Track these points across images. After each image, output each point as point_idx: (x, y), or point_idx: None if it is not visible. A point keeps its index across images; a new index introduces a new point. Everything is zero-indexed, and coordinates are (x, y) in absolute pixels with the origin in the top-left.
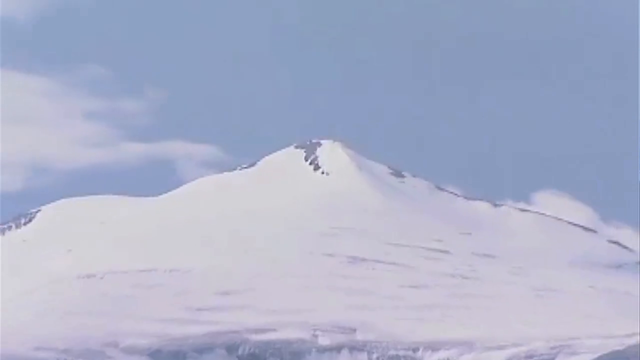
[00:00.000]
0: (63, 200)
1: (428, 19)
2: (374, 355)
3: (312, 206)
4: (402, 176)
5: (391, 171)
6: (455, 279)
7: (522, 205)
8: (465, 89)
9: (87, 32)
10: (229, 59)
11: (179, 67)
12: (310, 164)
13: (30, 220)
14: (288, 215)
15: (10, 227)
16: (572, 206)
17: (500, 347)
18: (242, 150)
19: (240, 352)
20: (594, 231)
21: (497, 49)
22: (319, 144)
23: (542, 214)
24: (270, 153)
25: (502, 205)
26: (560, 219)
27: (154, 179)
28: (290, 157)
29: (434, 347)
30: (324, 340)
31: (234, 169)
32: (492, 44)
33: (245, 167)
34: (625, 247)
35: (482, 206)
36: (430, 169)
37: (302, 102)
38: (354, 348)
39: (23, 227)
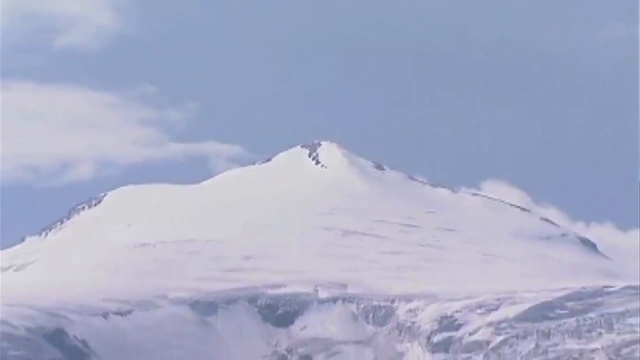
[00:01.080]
0: (124, 187)
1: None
2: (361, 306)
3: (313, 192)
4: (382, 169)
5: (374, 165)
6: (423, 247)
7: (473, 190)
8: (436, 99)
9: (140, 58)
10: (249, 78)
11: (209, 84)
12: (313, 159)
13: (99, 202)
14: (295, 199)
15: (84, 208)
16: (511, 191)
17: (458, 299)
18: (260, 149)
19: (258, 303)
20: (528, 210)
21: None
22: (319, 144)
23: (489, 197)
24: (281, 151)
25: (458, 191)
26: (502, 201)
27: (192, 171)
28: (297, 154)
29: (407, 299)
30: (322, 294)
31: (254, 164)
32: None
33: (263, 162)
34: (553, 223)
35: (443, 191)
36: (403, 163)
37: (307, 111)
38: (346, 300)
39: (94, 208)
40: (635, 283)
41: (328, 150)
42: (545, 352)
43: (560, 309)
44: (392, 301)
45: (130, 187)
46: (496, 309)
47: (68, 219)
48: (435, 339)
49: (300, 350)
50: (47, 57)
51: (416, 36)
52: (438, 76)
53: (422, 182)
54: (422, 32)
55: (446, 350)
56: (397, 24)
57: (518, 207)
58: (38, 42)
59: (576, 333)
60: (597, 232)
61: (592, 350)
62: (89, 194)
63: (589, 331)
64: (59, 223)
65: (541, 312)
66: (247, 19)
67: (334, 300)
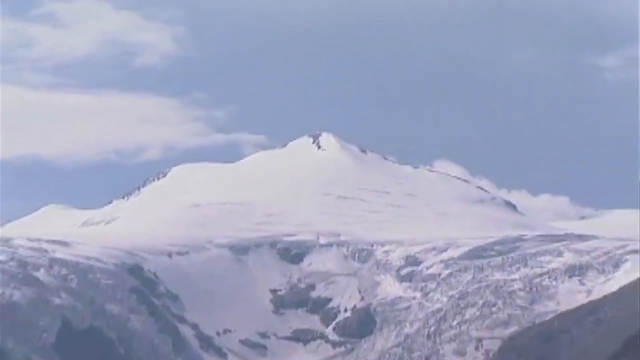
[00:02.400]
0: (181, 165)
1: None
2: (350, 249)
3: (316, 169)
4: (365, 152)
5: (359, 149)
6: (394, 208)
7: (428, 167)
8: (405, 102)
9: (193, 73)
10: (270, 87)
11: (242, 91)
12: (315, 145)
13: (164, 175)
14: (302, 174)
15: (154, 179)
16: (455, 168)
17: (418, 244)
18: (278, 138)
19: (277, 247)
20: (467, 181)
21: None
22: (320, 134)
23: (440, 172)
24: (293, 139)
25: (418, 167)
26: (448, 175)
27: (229, 154)
28: (304, 142)
29: (382, 243)
30: (322, 240)
31: (273, 149)
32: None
33: (280, 148)
34: (485, 190)
35: (408, 168)
36: (380, 148)
37: (311, 111)
38: (339, 245)
39: (161, 180)
40: (543, 233)
41: (327, 139)
42: (479, 281)
43: (490, 251)
44: (372, 245)
45: (186, 165)
46: (445, 250)
47: (143, 187)
48: (402, 272)
49: (306, 280)
50: (128, 73)
51: (392, 54)
52: (407, 83)
53: (392, 161)
54: (401, 50)
55: (410, 280)
56: (376, 43)
57: (460, 179)
58: (121, 62)
59: (501, 268)
60: (516, 197)
61: (512, 280)
62: (157, 170)
63: (510, 266)
64: (136, 190)
65: (476, 253)
66: (266, 46)
67: (331, 245)
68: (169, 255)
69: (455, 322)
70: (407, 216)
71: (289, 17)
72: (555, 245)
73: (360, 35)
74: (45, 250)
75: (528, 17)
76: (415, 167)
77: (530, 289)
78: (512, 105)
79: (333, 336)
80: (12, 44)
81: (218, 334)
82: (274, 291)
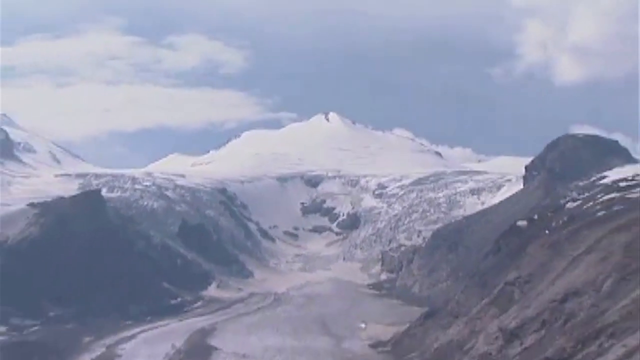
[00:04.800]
0: (246, 132)
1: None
2: (346, 179)
3: (326, 135)
4: (355, 123)
5: (351, 121)
6: (373, 156)
7: (391, 132)
8: (381, 91)
9: (252, 78)
10: (299, 82)
11: (284, 87)
12: (326, 120)
13: (239, 136)
14: (318, 136)
15: (233, 139)
16: (407, 132)
17: (385, 176)
18: (303, 115)
19: (304, 178)
20: (413, 139)
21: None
22: (329, 113)
23: (397, 135)
24: (313, 116)
25: (385, 132)
26: (401, 136)
27: (272, 126)
28: (319, 118)
29: (364, 176)
30: (330, 174)
31: (301, 121)
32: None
33: (304, 121)
34: (423, 145)
35: (379, 132)
36: (363, 120)
37: (324, 97)
38: (339, 177)
39: (238, 139)
40: (457, 170)
41: (333, 116)
42: (420, 198)
43: (426, 180)
44: (359, 177)
45: (251, 131)
46: (400, 180)
47: (227, 143)
48: (376, 192)
49: (320, 197)
50: (217, 77)
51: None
52: (384, 78)
53: (370, 128)
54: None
55: (380, 197)
56: (367, 41)
57: (409, 138)
58: (212, 71)
59: (432, 190)
60: (441, 149)
61: (439, 197)
62: (235, 133)
63: (438, 189)
64: (224, 145)
65: (418, 181)
66: (299, 60)
67: (334, 177)
68: (242, 182)
69: (406, 221)
70: (378, 161)
71: (313, 39)
72: (463, 177)
73: (358, 46)
74: (171, 180)
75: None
76: (384, 132)
77: (449, 202)
78: (443, 94)
79: (336, 229)
80: (149, 60)
81: (270, 227)
82: (302, 203)
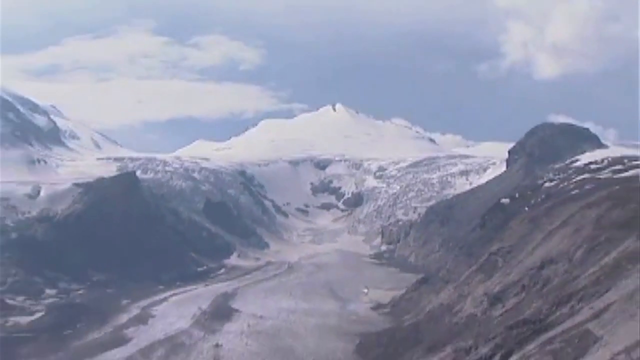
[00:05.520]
0: (265, 120)
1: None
2: (351, 162)
3: (333, 122)
4: (358, 113)
5: (355, 111)
6: (374, 142)
7: (390, 121)
8: (382, 82)
9: (267, 74)
10: (311, 80)
11: (297, 81)
12: (334, 110)
13: (256, 125)
14: (326, 124)
15: (251, 127)
16: (404, 121)
17: (385, 160)
18: (313, 106)
19: (314, 161)
20: (410, 128)
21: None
22: (336, 104)
23: (395, 124)
24: (321, 107)
25: (385, 121)
26: (398, 124)
27: (286, 115)
28: (327, 108)
29: (367, 159)
30: (336, 158)
31: (311, 112)
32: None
33: (314, 111)
34: (419, 132)
35: (379, 122)
36: (365, 110)
37: (332, 90)
38: (344, 160)
39: (255, 127)
40: (448, 154)
41: (339, 107)
42: (415, 179)
43: (421, 163)
44: (362, 160)
45: (267, 120)
46: (398, 163)
47: (246, 131)
48: (377, 174)
49: (328, 178)
50: (237, 72)
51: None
52: (385, 72)
53: (373, 118)
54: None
55: (380, 178)
56: (372, 40)
57: (406, 127)
58: (233, 67)
59: (426, 172)
60: (434, 136)
61: (432, 178)
62: (253, 122)
63: (431, 171)
64: (243, 132)
65: (414, 164)
66: (307, 57)
67: (340, 160)
68: (259, 165)
69: (403, 199)
70: (379, 146)
71: (321, 39)
72: (454, 160)
73: (364, 45)
74: (197, 163)
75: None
76: (384, 121)
77: (441, 182)
78: (436, 86)
79: (341, 206)
80: (176, 58)
81: (284, 204)
82: (311, 184)
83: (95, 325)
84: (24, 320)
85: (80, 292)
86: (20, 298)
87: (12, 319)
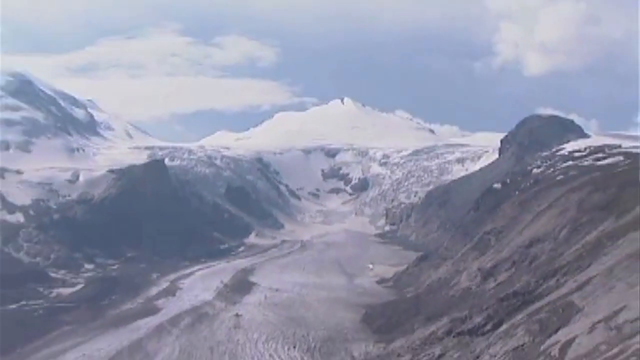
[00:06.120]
0: (280, 112)
1: None
2: (357, 151)
3: (341, 115)
4: (365, 106)
5: (362, 104)
6: (379, 132)
7: (394, 113)
8: (389, 79)
9: (283, 69)
10: (322, 75)
11: (311, 79)
12: (342, 103)
13: (272, 117)
14: (335, 116)
15: (268, 119)
16: (406, 113)
17: (389, 149)
18: (324, 99)
19: (324, 150)
20: (412, 119)
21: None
22: (344, 98)
23: (399, 117)
24: (331, 100)
25: (390, 113)
26: (402, 117)
27: (298, 108)
28: (336, 102)
29: (372, 148)
30: (344, 148)
31: (322, 105)
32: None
33: (324, 105)
34: (419, 124)
35: (384, 114)
36: (371, 103)
37: (341, 85)
38: (352, 149)
39: (271, 119)
40: (446, 143)
41: (347, 100)
42: (416, 166)
43: (422, 152)
44: (367, 149)
45: (282, 112)
46: (401, 151)
47: (262, 122)
48: (381, 161)
49: (337, 165)
50: (256, 69)
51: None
52: (389, 69)
53: (378, 110)
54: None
55: (385, 165)
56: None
57: (408, 118)
58: (253, 64)
59: (427, 159)
60: (434, 127)
61: (431, 165)
62: (270, 114)
63: (431, 159)
64: (260, 123)
65: (415, 152)
66: (317, 56)
67: (348, 149)
68: (275, 154)
69: (405, 184)
70: (383, 136)
71: (330, 39)
72: (451, 149)
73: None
74: (219, 151)
75: None
76: (387, 113)
77: (440, 169)
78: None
79: (349, 191)
80: (200, 56)
81: (297, 189)
82: (322, 170)
83: (129, 297)
84: (66, 291)
85: (115, 267)
86: (62, 272)
87: (56, 291)
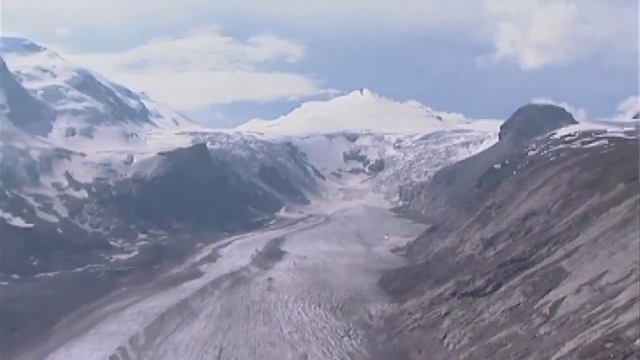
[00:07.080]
0: (306, 102)
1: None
2: (374, 136)
3: (361, 105)
4: (381, 97)
5: (378, 95)
6: (393, 119)
7: (407, 103)
8: (403, 74)
9: (309, 65)
10: (344, 69)
11: (331, 72)
12: (361, 94)
13: (300, 106)
14: (355, 105)
15: (296, 108)
16: (417, 103)
17: (401, 134)
18: (345, 90)
19: (346, 135)
20: (422, 107)
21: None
22: (363, 89)
23: (411, 106)
24: (351, 92)
25: (403, 102)
26: (413, 106)
27: (323, 98)
28: (356, 93)
29: (387, 133)
30: (363, 132)
31: (343, 95)
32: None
33: (346, 95)
34: (429, 111)
35: (397, 103)
36: (387, 94)
37: (359, 78)
38: (370, 134)
39: (299, 108)
40: (453, 129)
41: (365, 92)
42: (426, 149)
43: (431, 136)
44: (383, 134)
45: (307, 102)
46: (412, 136)
47: (292, 111)
48: (395, 145)
49: (357, 148)
50: (285, 64)
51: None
52: (402, 63)
53: (392, 100)
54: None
55: (398, 148)
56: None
57: (418, 107)
58: (282, 60)
59: (435, 143)
60: (442, 114)
61: (439, 148)
62: (297, 104)
63: (438, 142)
64: (290, 112)
65: (425, 137)
66: (339, 54)
67: (367, 134)
68: (302, 138)
69: (416, 165)
70: (397, 123)
71: (351, 36)
72: (457, 134)
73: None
74: (253, 136)
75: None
76: (401, 102)
77: (447, 152)
78: (440, 75)
79: (367, 171)
80: (237, 53)
81: (321, 169)
82: (344, 152)
83: (176, 263)
84: (123, 257)
85: (164, 237)
86: (120, 240)
87: (114, 257)
